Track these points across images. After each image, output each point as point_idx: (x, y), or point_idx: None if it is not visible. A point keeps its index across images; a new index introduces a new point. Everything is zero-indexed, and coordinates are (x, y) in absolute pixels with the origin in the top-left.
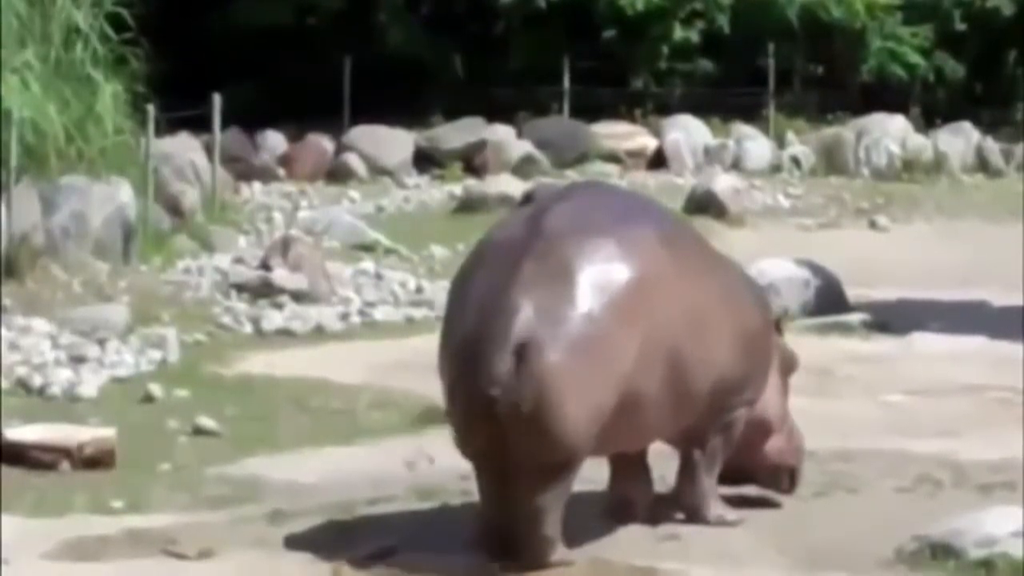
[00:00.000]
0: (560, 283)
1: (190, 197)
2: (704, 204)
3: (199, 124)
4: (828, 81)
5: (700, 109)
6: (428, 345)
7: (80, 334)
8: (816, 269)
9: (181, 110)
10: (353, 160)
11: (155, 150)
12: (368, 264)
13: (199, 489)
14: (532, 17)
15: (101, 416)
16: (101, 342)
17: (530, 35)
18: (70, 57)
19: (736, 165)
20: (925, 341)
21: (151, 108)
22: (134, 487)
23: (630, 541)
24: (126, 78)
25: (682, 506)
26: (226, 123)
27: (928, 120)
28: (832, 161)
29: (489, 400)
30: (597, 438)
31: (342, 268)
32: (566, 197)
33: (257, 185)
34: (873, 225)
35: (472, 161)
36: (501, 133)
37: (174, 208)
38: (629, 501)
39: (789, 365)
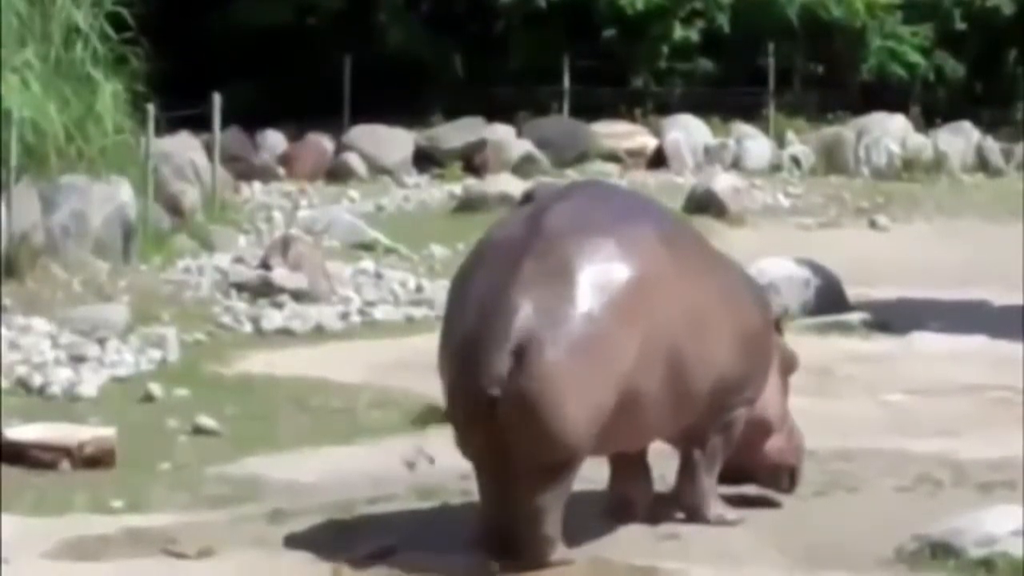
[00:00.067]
0: (560, 282)
1: (190, 196)
2: (704, 203)
3: (199, 123)
4: (828, 80)
5: (700, 108)
6: (428, 345)
7: (80, 333)
8: (816, 268)
9: (181, 109)
10: (353, 159)
11: (155, 149)
12: (368, 263)
13: (199, 488)
14: (532, 17)
15: (101, 415)
16: (101, 341)
17: (530, 35)
18: (70, 56)
19: (736, 164)
20: (925, 341)
21: (151, 107)
22: (134, 486)
23: (630, 541)
24: (126, 77)
25: (682, 505)
26: (226, 122)
27: (928, 119)
28: (832, 160)
29: (489, 400)
30: (597, 438)
31: (342, 267)
32: (566, 196)
33: (257, 184)
34: (873, 225)
35: (472, 160)
36: (501, 132)
37: (174, 207)
38: (629, 501)
39: (789, 365)
